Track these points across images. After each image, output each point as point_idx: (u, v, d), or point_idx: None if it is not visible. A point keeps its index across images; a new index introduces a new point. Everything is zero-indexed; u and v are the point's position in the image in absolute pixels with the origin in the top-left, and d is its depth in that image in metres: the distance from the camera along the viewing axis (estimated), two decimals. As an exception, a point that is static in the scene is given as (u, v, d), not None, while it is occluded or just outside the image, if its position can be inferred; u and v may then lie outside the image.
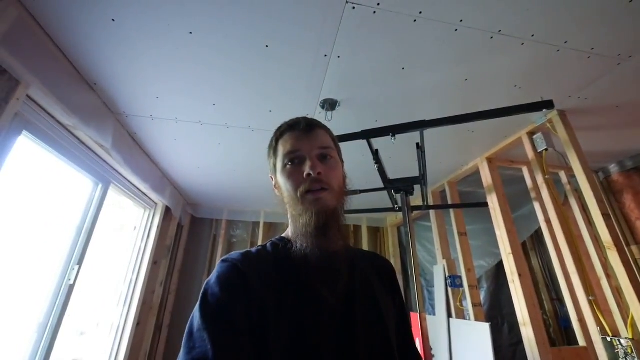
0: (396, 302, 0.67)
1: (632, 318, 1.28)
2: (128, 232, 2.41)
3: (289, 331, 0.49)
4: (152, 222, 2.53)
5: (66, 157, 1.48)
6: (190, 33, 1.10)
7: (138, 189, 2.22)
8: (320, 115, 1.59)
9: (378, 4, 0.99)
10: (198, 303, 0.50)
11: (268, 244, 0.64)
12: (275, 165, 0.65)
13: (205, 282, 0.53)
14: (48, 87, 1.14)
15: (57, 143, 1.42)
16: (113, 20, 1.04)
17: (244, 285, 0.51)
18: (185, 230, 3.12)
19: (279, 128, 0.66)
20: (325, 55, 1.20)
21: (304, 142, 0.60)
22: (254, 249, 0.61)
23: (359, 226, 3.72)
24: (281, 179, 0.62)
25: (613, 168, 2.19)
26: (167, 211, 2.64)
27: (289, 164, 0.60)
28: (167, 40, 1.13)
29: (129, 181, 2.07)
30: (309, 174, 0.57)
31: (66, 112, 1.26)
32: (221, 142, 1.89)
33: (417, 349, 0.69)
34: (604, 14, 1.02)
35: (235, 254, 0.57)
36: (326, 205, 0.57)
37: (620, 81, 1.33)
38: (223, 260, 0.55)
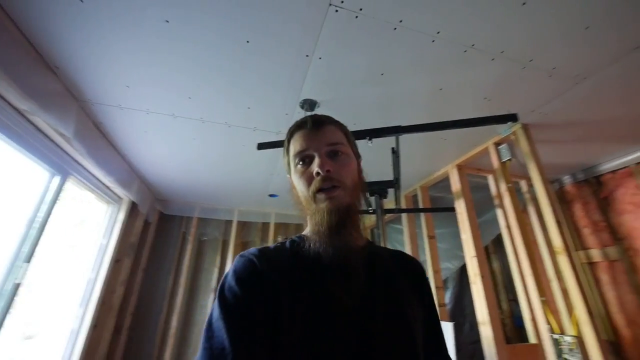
0: (425, 303, 0.64)
1: (576, 317, 1.40)
2: (89, 228, 2.25)
3: (301, 327, 0.48)
4: (116, 218, 2.38)
5: (18, 144, 1.36)
6: (167, 21, 1.05)
7: (101, 182, 2.08)
8: (299, 115, 1.58)
9: (360, 9, 1.01)
10: (217, 295, 0.52)
11: (287, 241, 0.63)
12: (289, 165, 0.65)
13: (223, 276, 0.54)
14: None
15: (9, 128, 1.29)
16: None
17: (259, 279, 0.52)
18: (153, 227, 2.98)
19: (290, 128, 0.65)
20: (307, 56, 1.20)
21: (312, 140, 0.59)
22: (272, 246, 0.61)
23: (333, 227, 3.75)
24: (294, 179, 0.62)
25: (566, 179, 2.38)
26: (134, 207, 2.50)
27: (300, 163, 0.60)
28: (141, 26, 1.07)
29: (91, 174, 1.94)
30: (317, 173, 0.56)
31: (21, 95, 1.15)
32: (196, 137, 1.82)
33: (448, 352, 0.65)
34: (566, 37, 1.12)
35: (252, 249, 0.58)
36: (338, 203, 0.55)
37: (577, 100, 1.46)
38: (240, 255, 0.57)
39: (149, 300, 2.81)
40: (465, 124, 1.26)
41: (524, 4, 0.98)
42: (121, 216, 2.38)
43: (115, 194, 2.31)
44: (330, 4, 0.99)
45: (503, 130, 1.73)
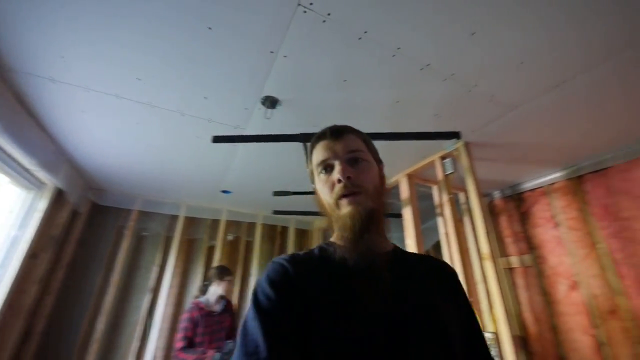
0: (460, 305, 0.63)
1: (494, 315, 1.59)
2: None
3: (329, 328, 0.50)
4: (35, 206, 2.06)
5: None
6: (117, -9, 0.95)
7: (19, 163, 1.78)
8: (259, 112, 1.54)
9: (328, 14, 1.02)
10: (251, 298, 0.55)
11: (316, 248, 0.65)
12: (312, 175, 0.67)
13: (257, 280, 0.58)
14: None
15: None
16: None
17: (290, 283, 0.55)
18: (82, 218, 2.64)
19: (312, 139, 0.68)
20: (272, 52, 1.18)
21: (332, 149, 0.62)
22: (302, 252, 0.64)
23: (286, 227, 3.73)
24: (318, 187, 0.65)
25: (496, 194, 2.70)
26: (60, 194, 2.19)
27: (322, 172, 0.63)
28: (84, -9, 0.95)
29: (5, 153, 1.65)
30: (339, 180, 0.58)
31: None
32: (142, 122, 1.67)
33: (489, 353, 0.62)
34: (504, 68, 1.27)
35: (284, 255, 0.61)
36: (361, 208, 0.57)
37: (509, 125, 1.66)
38: (273, 262, 0.59)
39: (72, 300, 2.49)
40: (415, 136, 1.36)
41: (473, 34, 1.09)
42: (42, 204, 2.07)
43: (37, 178, 1.99)
44: (299, 4, 0.99)
45: (448, 145, 1.90)
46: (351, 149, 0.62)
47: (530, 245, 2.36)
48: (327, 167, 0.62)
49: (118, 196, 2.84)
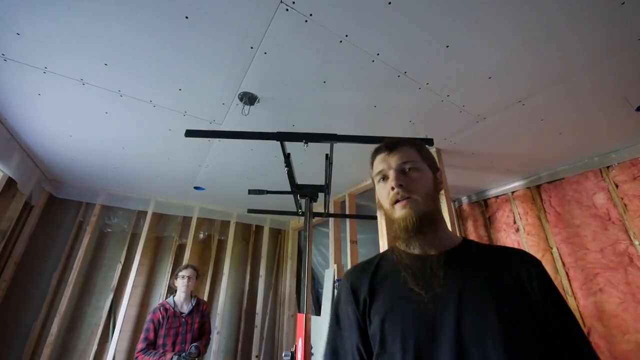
0: (533, 295, 0.59)
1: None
2: None
3: (379, 323, 0.62)
4: (-20, 197, 1.87)
5: None
6: (86, -30, 0.89)
7: (-37, 148, 1.61)
8: (237, 108, 1.51)
9: (310, 15, 1.02)
10: (332, 307, 0.75)
11: (378, 255, 0.77)
12: (374, 183, 0.76)
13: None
14: None
15: None
16: None
17: (352, 292, 0.71)
18: (37, 211, 2.44)
19: (372, 152, 0.78)
20: (252, 48, 1.16)
21: (387, 162, 0.71)
22: (364, 261, 0.78)
23: (261, 226, 3.68)
24: (378, 194, 0.74)
25: (464, 200, 2.84)
26: (10, 184, 2.01)
27: (380, 181, 0.72)
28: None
29: (-53, 135, 1.49)
30: (392, 187, 0.67)
31: None
32: (110, 111, 1.57)
33: (590, 352, 0.57)
34: (474, 81, 1.34)
35: (349, 269, 0.79)
36: (412, 212, 0.65)
37: (477, 135, 1.76)
38: (344, 277, 0.78)
39: (21, 300, 2.29)
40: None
41: (447, 46, 1.15)
42: (-10, 195, 1.89)
43: (-17, 166, 1.82)
44: (281, 1, 0.98)
45: (422, 151, 1.97)
46: (403, 160, 0.70)
47: (492, 249, 2.51)
48: (384, 177, 0.71)
49: (79, 189, 2.65)
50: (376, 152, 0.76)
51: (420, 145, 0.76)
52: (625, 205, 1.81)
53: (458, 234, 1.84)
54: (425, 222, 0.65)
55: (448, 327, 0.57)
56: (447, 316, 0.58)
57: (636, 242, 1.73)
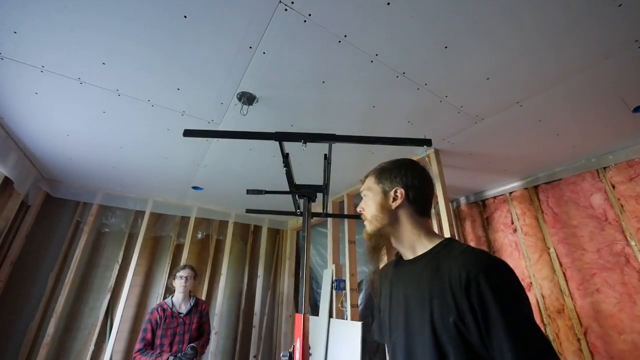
0: (461, 305, 0.58)
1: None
2: None
3: (384, 312, 0.81)
4: (-24, 196, 1.86)
5: None
6: (84, -32, 0.88)
7: (-41, 147, 1.60)
8: (235, 107, 1.51)
9: (309, 15, 1.02)
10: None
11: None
12: None
13: None
14: None
15: None
16: None
17: (379, 286, 0.89)
18: (33, 211, 2.42)
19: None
20: (250, 47, 1.16)
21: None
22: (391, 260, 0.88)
23: (259, 226, 3.67)
24: None
25: (462, 200, 2.85)
26: (7, 184, 1.99)
27: None
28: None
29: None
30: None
31: None
32: (108, 110, 1.56)
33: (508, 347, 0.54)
34: (472, 82, 1.34)
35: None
36: (366, 232, 0.82)
37: (475, 136, 1.76)
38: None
39: (18, 301, 2.27)
40: (389, 141, 1.39)
41: (446, 47, 1.15)
42: (-14, 194, 1.88)
43: (-21, 165, 1.80)
44: (280, 1, 0.98)
45: (420, 152, 1.98)
46: (363, 188, 0.87)
47: (491, 249, 2.52)
48: None
49: (76, 188, 2.64)
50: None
51: (380, 170, 0.86)
52: (622, 206, 1.82)
53: (456, 235, 1.84)
54: (374, 238, 0.79)
55: (406, 321, 0.70)
56: (407, 312, 0.70)
57: (632, 243, 1.74)
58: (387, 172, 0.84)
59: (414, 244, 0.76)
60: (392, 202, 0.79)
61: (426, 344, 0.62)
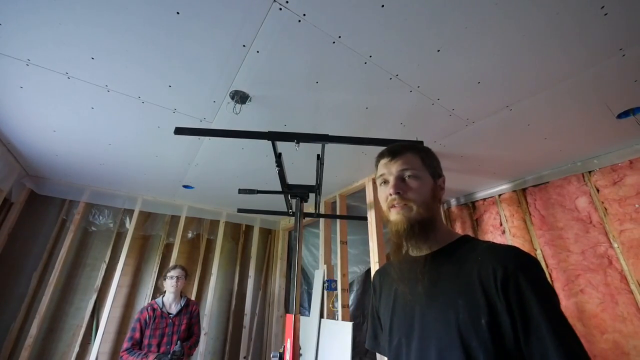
0: (497, 301, 0.54)
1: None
2: None
3: (384, 315, 0.77)
4: (-44, 192, 1.79)
5: None
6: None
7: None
8: (228, 106, 1.50)
9: (304, 15, 1.02)
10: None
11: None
12: (377, 185, 0.80)
13: None
14: None
15: None
16: None
17: (378, 287, 0.86)
18: (17, 208, 2.36)
19: (377, 156, 0.80)
20: (244, 46, 1.15)
21: (388, 167, 0.74)
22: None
23: (251, 226, 3.65)
24: (378, 196, 0.79)
25: (453, 202, 2.89)
26: (-11, 180, 1.93)
27: (381, 184, 0.75)
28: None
29: None
30: (389, 193, 0.70)
31: None
32: (96, 106, 1.53)
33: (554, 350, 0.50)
34: (464, 86, 1.36)
35: (380, 268, 0.90)
36: (404, 218, 0.68)
37: (466, 138, 1.79)
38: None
39: (-2, 301, 2.20)
40: (382, 142, 1.40)
41: (438, 50, 1.16)
42: (-34, 191, 1.81)
43: (-40, 160, 1.74)
44: (274, 0, 0.98)
45: (412, 153, 1.99)
46: (403, 167, 0.72)
47: (479, 250, 2.56)
48: (385, 181, 0.74)
49: (62, 186, 2.58)
50: (380, 156, 0.78)
51: (425, 151, 0.77)
52: (606, 209, 1.88)
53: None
54: (416, 228, 0.67)
55: (417, 323, 0.64)
56: (418, 313, 0.65)
57: (615, 245, 1.79)
58: (431, 157, 0.77)
59: (437, 239, 0.70)
60: (440, 191, 0.74)
61: (450, 349, 0.54)
